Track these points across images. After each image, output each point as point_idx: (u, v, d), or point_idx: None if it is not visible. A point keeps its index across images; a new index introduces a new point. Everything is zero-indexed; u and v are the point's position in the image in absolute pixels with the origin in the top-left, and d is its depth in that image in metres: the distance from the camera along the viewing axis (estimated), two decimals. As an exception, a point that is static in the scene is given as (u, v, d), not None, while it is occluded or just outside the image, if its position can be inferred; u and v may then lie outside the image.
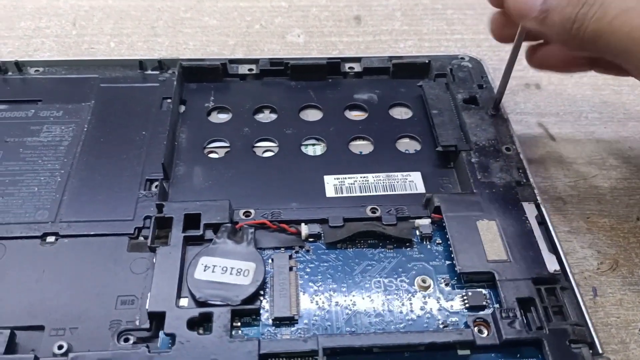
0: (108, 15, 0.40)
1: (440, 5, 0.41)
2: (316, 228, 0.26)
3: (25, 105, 0.31)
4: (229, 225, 0.25)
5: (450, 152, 0.29)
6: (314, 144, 0.31)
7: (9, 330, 0.22)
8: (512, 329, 0.22)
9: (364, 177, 0.29)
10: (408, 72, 0.34)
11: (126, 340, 0.22)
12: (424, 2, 0.41)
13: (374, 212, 0.26)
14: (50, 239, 0.25)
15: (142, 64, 0.34)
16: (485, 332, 0.22)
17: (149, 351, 0.21)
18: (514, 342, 0.22)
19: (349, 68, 0.34)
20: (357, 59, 0.34)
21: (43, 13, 0.40)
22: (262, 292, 0.23)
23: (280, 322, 0.23)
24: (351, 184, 0.28)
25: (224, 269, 0.24)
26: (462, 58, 0.34)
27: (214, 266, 0.24)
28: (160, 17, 0.40)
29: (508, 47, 0.28)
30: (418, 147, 0.31)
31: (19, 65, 0.33)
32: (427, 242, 0.26)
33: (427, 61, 0.34)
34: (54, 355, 0.21)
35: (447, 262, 0.25)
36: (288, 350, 0.21)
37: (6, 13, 0.40)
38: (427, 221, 0.26)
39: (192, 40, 0.38)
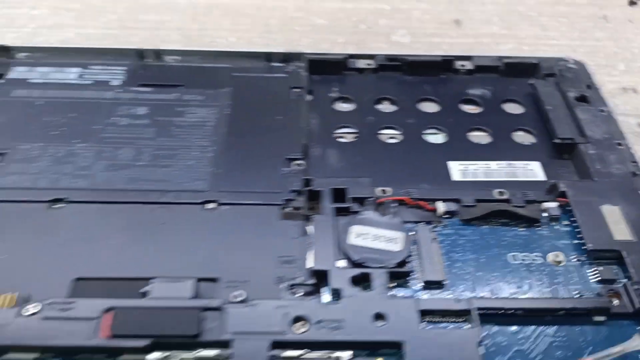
0: (225, 13, 0.43)
1: (534, 12, 0.44)
2: (452, 206, 0.28)
3: (168, 89, 0.35)
4: (373, 198, 0.28)
5: (567, 145, 0.32)
6: (434, 133, 0.33)
7: (195, 278, 0.24)
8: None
9: (487, 164, 0.31)
10: (517, 71, 0.36)
11: (294, 293, 0.25)
12: (519, 9, 0.44)
13: (501, 195, 0.29)
14: (211, 205, 0.28)
15: (268, 56, 0.37)
16: (618, 302, 0.25)
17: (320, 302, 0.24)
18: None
19: (461, 65, 0.37)
20: (468, 57, 0.37)
21: (165, 8, 0.44)
22: (410, 259, 0.26)
23: (430, 285, 0.25)
24: (475, 169, 0.31)
25: (375, 237, 0.26)
26: (567, 60, 0.37)
27: (366, 234, 0.26)
28: (272, 16, 0.43)
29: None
30: (533, 140, 0.33)
31: (158, 53, 0.37)
32: (555, 223, 0.28)
33: (536, 62, 0.37)
34: (232, 302, 0.24)
35: (575, 242, 0.27)
36: (444, 308, 0.24)
37: (130, 5, 0.44)
38: (555, 204, 0.28)
39: (304, 37, 0.41)
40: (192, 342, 0.22)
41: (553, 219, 0.28)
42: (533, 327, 0.24)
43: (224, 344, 0.22)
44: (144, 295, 0.24)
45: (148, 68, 0.36)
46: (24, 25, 0.42)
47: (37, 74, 0.35)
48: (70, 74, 0.35)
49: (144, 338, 0.22)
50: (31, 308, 0.23)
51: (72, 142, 0.31)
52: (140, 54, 0.36)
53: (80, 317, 0.23)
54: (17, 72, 0.35)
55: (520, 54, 0.39)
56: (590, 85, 0.35)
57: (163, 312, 0.23)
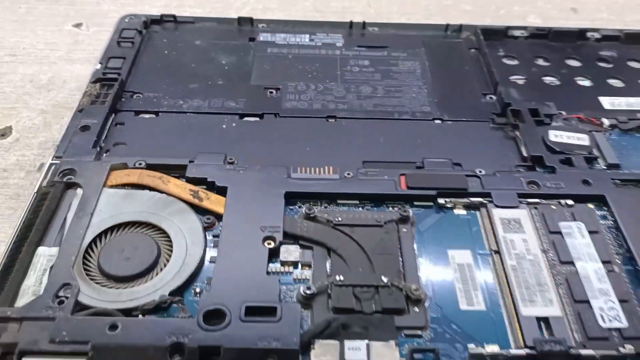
0: (392, 1, 0.55)
1: (635, 3, 0.56)
2: (613, 121, 0.40)
3: (379, 49, 0.47)
4: (559, 115, 0.40)
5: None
6: (583, 79, 0.45)
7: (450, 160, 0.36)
8: None
9: (626, 99, 0.42)
10: (634, 38, 0.48)
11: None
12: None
13: (645, 116, 0.40)
14: (438, 121, 0.40)
15: (446, 27, 0.49)
16: None
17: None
18: None
19: (591, 35, 0.48)
20: (596, 29, 0.49)
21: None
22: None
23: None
24: (619, 102, 0.42)
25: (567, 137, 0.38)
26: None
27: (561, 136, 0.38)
28: (430, 4, 0.55)
29: None
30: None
31: (364, 25, 0.49)
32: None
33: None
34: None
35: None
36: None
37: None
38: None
39: (458, 19, 0.52)
40: (464, 194, 0.34)
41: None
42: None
43: (485, 195, 0.34)
44: (420, 168, 0.36)
45: (358, 35, 0.48)
46: (240, 8, 0.54)
47: (279, 38, 0.47)
48: (304, 38, 0.47)
49: (431, 190, 0.34)
50: (350, 174, 0.35)
51: (325, 81, 0.43)
52: (350, 25, 0.49)
53: (385, 179, 0.34)
54: (263, 37, 0.47)
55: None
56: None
57: (439, 177, 0.35)
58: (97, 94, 0.40)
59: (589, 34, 0.48)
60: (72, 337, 0.26)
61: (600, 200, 0.34)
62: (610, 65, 0.46)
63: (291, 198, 0.33)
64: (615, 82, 0.44)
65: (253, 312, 0.27)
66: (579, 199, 0.34)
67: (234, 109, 0.40)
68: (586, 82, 0.44)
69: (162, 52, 0.45)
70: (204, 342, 0.26)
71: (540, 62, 0.46)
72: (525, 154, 0.37)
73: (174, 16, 0.48)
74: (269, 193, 0.33)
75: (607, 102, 0.42)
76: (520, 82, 0.44)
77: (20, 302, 0.28)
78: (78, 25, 0.53)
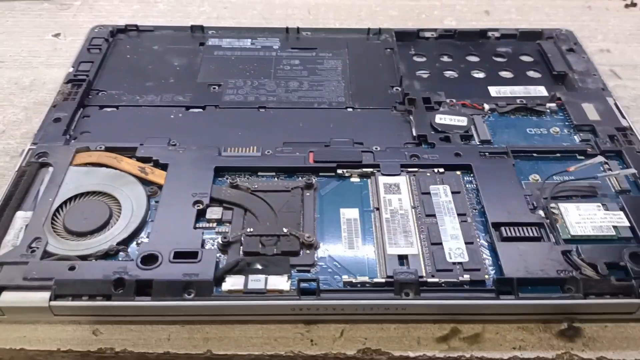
0: (329, 9, 0.64)
1: (540, 5, 0.64)
2: (493, 107, 0.48)
3: (309, 51, 0.55)
4: (447, 102, 0.48)
5: (561, 75, 0.51)
6: (478, 72, 0.53)
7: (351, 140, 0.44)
8: None
9: (512, 88, 0.50)
10: (528, 36, 0.57)
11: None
12: (529, 3, 0.64)
13: (522, 101, 0.48)
14: (350, 109, 0.48)
15: (367, 31, 0.57)
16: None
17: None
18: None
19: (492, 34, 0.57)
20: (496, 29, 0.57)
21: (287, 6, 0.64)
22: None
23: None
24: (504, 90, 0.50)
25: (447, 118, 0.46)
26: (560, 29, 0.57)
27: (444, 118, 0.46)
28: (361, 10, 0.64)
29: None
30: (539, 75, 0.52)
31: (298, 30, 0.57)
32: (555, 115, 0.48)
33: (540, 30, 0.57)
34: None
35: (566, 123, 0.46)
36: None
37: (263, 5, 0.64)
38: (554, 104, 0.48)
39: (385, 23, 0.61)
40: (358, 166, 0.42)
41: (553, 112, 0.48)
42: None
43: (375, 166, 0.42)
44: (327, 146, 0.44)
45: (293, 39, 0.57)
46: (197, 16, 0.63)
47: (225, 42, 0.56)
48: (246, 43, 0.56)
49: (331, 162, 0.42)
50: (269, 152, 0.43)
51: (260, 78, 0.51)
52: (286, 30, 0.57)
53: (297, 155, 0.43)
54: (212, 42, 0.56)
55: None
56: (576, 43, 0.55)
57: (340, 152, 0.43)
58: (68, 93, 0.48)
59: (489, 33, 0.57)
60: (40, 276, 0.34)
61: (467, 169, 0.42)
62: (504, 60, 0.54)
63: (220, 172, 0.42)
64: (506, 74, 0.53)
65: (180, 255, 0.36)
66: (450, 167, 0.42)
67: (181, 102, 0.48)
68: (480, 75, 0.53)
69: (125, 57, 0.54)
70: (140, 277, 0.34)
71: (445, 58, 0.55)
72: (414, 134, 0.45)
73: (136, 26, 0.56)
74: (202, 167, 0.41)
75: (494, 90, 0.50)
76: (424, 76, 0.52)
77: (1, 252, 0.36)
78: (57, 35, 0.61)
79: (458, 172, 0.42)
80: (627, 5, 0.65)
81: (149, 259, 0.35)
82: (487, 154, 0.43)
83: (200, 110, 0.48)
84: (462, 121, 0.46)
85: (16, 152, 0.47)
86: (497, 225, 0.38)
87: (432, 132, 0.45)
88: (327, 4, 0.65)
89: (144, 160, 0.42)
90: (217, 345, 0.34)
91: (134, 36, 0.56)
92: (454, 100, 0.48)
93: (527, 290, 0.35)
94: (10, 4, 0.66)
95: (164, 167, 0.42)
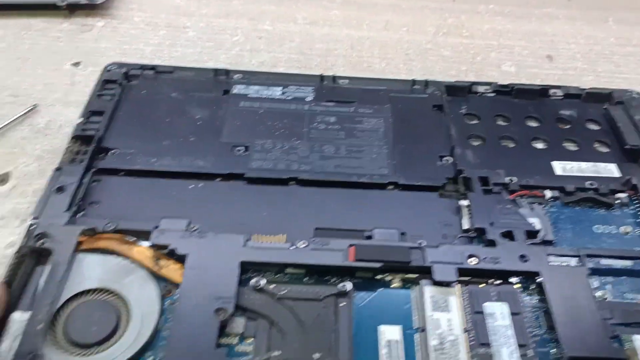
0: (374, 44, 0.57)
1: (609, 52, 0.57)
2: (556, 193, 0.42)
3: (347, 105, 0.49)
4: (506, 185, 0.42)
5: (634, 150, 0.45)
6: (538, 141, 0.47)
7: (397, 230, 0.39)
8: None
9: (579, 164, 0.44)
10: (595, 98, 0.50)
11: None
12: (596, 48, 0.57)
13: (592, 185, 0.42)
14: (391, 187, 0.42)
15: (414, 82, 0.51)
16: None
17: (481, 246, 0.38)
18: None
19: (554, 92, 0.50)
20: (559, 87, 0.50)
21: (329, 39, 0.58)
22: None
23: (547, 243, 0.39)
24: (571, 167, 0.44)
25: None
26: (632, 92, 0.50)
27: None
28: (410, 47, 0.57)
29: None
30: (608, 149, 0.46)
31: (335, 78, 0.51)
32: (625, 208, 0.41)
33: (609, 92, 0.50)
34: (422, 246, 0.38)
35: (638, 220, 0.41)
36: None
37: (304, 36, 0.58)
38: (625, 194, 0.42)
39: (436, 65, 0.55)
40: (405, 267, 0.36)
41: (623, 204, 0.42)
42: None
43: (426, 269, 0.36)
44: (369, 238, 0.38)
45: (328, 89, 0.50)
46: (230, 48, 0.57)
47: (252, 90, 0.50)
48: (276, 92, 0.50)
49: (376, 262, 0.36)
50: (301, 243, 0.38)
51: (291, 140, 0.45)
52: (321, 78, 0.51)
53: (334, 249, 0.37)
54: (237, 89, 0.50)
55: (599, 85, 0.52)
56: (651, 110, 0.48)
57: (385, 249, 0.37)
58: (76, 151, 0.43)
59: (551, 92, 0.50)
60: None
61: (533, 277, 0.36)
62: (569, 126, 0.48)
63: (245, 267, 0.36)
64: (569, 145, 0.46)
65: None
66: (513, 274, 0.36)
67: (202, 169, 0.43)
68: (541, 145, 0.46)
69: (139, 105, 0.48)
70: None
71: (501, 121, 0.48)
72: (467, 226, 0.40)
73: (153, 67, 0.51)
74: (226, 262, 0.36)
75: (559, 167, 0.44)
76: (478, 142, 0.46)
77: (-6, 369, 0.32)
78: (76, 64, 0.55)
79: (516, 286, 0.36)
80: None
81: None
82: (557, 255, 0.37)
83: (223, 180, 0.43)
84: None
85: (26, 215, 0.42)
86: (573, 360, 0.32)
87: (491, 224, 0.39)
88: (372, 39, 0.59)
89: (160, 248, 0.37)
90: None
91: (150, 78, 0.50)
92: (513, 179, 0.42)
93: None
94: (27, 22, 0.60)
95: (181, 258, 0.37)
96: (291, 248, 0.37)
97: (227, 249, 0.37)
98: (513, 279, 0.36)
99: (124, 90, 0.49)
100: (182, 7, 0.63)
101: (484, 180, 0.42)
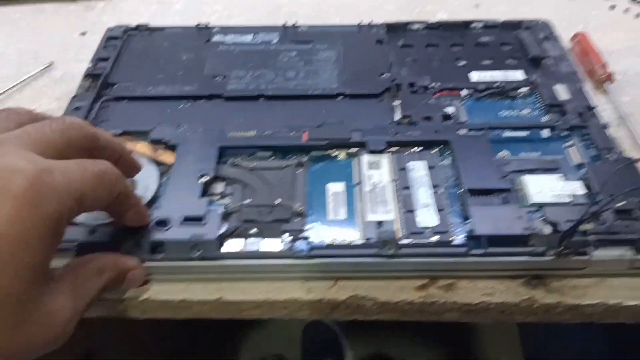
0: (331, 6, 0.68)
1: (524, -5, 0.68)
2: (470, 92, 0.52)
3: (305, 44, 0.59)
4: (431, 89, 0.52)
5: (537, 59, 0.56)
6: (461, 59, 0.57)
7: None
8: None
9: (492, 72, 0.55)
10: (509, 27, 0.61)
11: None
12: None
13: (500, 85, 0.53)
14: (340, 97, 0.53)
15: (360, 24, 0.62)
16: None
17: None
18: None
19: (474, 26, 0.61)
20: (479, 21, 0.61)
21: (294, 3, 0.69)
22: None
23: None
24: (485, 75, 0.54)
25: (431, 102, 0.50)
26: (538, 20, 0.61)
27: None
28: (360, 5, 0.68)
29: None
30: (517, 62, 0.57)
31: (295, 26, 0.62)
32: (526, 98, 0.52)
33: (519, 21, 0.61)
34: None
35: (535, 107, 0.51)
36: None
37: (272, 4, 0.70)
38: (527, 88, 0.52)
39: (383, 17, 0.65)
40: (347, 143, 0.47)
41: (525, 95, 0.52)
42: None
43: (362, 144, 0.47)
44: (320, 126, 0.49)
45: (291, 34, 0.62)
46: (210, 15, 0.68)
47: (228, 38, 0.61)
48: (248, 38, 0.61)
49: (323, 140, 0.47)
50: (267, 132, 0.48)
51: (260, 69, 0.56)
52: (284, 26, 0.62)
53: (292, 136, 0.48)
54: (216, 38, 0.61)
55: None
56: (552, 32, 0.59)
57: (331, 130, 0.48)
58: (88, 86, 0.54)
59: (472, 25, 0.61)
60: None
61: (446, 144, 0.47)
62: (486, 49, 0.59)
63: (224, 151, 0.47)
64: (486, 62, 0.57)
65: (188, 220, 0.41)
66: (430, 143, 0.47)
67: (189, 92, 0.53)
68: (463, 62, 0.57)
69: (137, 53, 0.59)
70: (153, 238, 0.40)
71: (431, 49, 0.59)
72: (400, 116, 0.50)
73: (147, 26, 0.62)
74: (207, 147, 0.47)
75: (475, 76, 0.55)
76: (412, 63, 0.57)
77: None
78: (84, 34, 0.67)
79: (433, 151, 0.47)
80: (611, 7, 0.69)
81: (162, 223, 0.41)
82: (465, 130, 0.48)
83: (206, 100, 0.53)
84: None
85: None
86: (470, 191, 0.43)
87: (416, 113, 0.50)
88: (329, 3, 0.70)
89: (156, 141, 0.48)
90: (229, 294, 0.40)
91: (145, 35, 0.62)
92: (439, 83, 0.53)
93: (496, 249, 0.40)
94: (40, 6, 0.72)
95: (173, 147, 0.47)
96: (260, 136, 0.48)
97: (209, 139, 0.48)
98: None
99: (124, 43, 0.60)
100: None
101: (412, 85, 0.53)
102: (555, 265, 0.39)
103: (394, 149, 0.47)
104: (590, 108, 0.49)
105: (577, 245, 0.39)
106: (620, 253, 0.39)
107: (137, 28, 0.62)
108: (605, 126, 0.48)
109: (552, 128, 0.48)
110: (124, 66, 0.57)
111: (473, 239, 0.40)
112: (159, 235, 0.40)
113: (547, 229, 0.39)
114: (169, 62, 0.58)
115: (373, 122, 0.49)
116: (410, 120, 0.49)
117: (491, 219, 0.40)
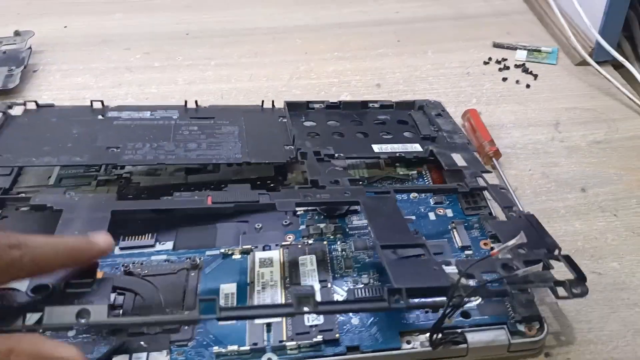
0: (239, 92, 0.69)
1: (425, 75, 0.73)
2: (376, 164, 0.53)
3: (207, 119, 0.58)
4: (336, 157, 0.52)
5: (429, 137, 0.59)
6: (362, 133, 0.59)
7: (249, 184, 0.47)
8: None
9: (392, 145, 0.56)
10: (404, 106, 0.64)
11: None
12: (415, 74, 0.74)
13: (401, 154, 0.54)
14: (244, 165, 0.51)
15: (262, 103, 0.62)
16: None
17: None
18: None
19: (372, 105, 0.63)
20: (375, 101, 0.64)
21: (203, 92, 0.69)
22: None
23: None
24: (386, 147, 0.56)
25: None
26: (429, 100, 0.65)
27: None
28: (268, 91, 0.69)
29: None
30: (413, 136, 0.59)
31: (197, 103, 0.61)
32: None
33: (412, 101, 0.65)
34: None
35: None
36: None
37: (181, 94, 0.69)
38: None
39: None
40: (255, 207, 0.45)
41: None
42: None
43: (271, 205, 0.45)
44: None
45: (192, 111, 0.60)
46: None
47: (125, 114, 0.58)
48: (146, 114, 0.59)
49: (229, 203, 0.44)
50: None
51: (159, 141, 0.54)
52: (185, 103, 0.61)
53: (197, 198, 0.45)
54: (111, 114, 0.58)
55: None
56: (443, 109, 0.63)
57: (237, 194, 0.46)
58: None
59: (370, 104, 0.64)
60: None
61: (356, 204, 0.47)
62: (384, 125, 0.61)
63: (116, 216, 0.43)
64: (386, 135, 0.59)
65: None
66: (339, 204, 0.47)
67: (79, 162, 0.50)
68: (364, 136, 0.58)
69: (22, 126, 0.55)
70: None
71: (332, 123, 0.60)
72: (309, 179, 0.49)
73: (35, 102, 0.58)
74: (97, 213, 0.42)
75: (377, 147, 0.56)
76: (314, 137, 0.57)
77: None
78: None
79: (325, 242, 0.47)
80: (500, 69, 0.75)
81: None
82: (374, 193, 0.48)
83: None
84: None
85: None
86: (386, 247, 0.41)
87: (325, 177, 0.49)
88: (239, 88, 0.71)
89: (38, 208, 0.43)
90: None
91: (32, 112, 0.58)
92: (342, 155, 0.53)
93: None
94: None
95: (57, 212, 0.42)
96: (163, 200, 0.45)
97: (99, 203, 0.43)
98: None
99: (7, 119, 0.55)
100: (82, 83, 0.72)
101: (318, 153, 0.53)
102: (436, 355, 0.39)
103: (285, 242, 0.47)
104: (486, 172, 0.52)
105: (449, 335, 0.39)
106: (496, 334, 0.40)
107: (24, 104, 0.58)
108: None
109: (456, 190, 0.50)
110: (5, 139, 0.52)
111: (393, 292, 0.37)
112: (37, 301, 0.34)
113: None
114: (58, 135, 0.54)
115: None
116: (318, 184, 0.48)
117: (409, 272, 0.39)
